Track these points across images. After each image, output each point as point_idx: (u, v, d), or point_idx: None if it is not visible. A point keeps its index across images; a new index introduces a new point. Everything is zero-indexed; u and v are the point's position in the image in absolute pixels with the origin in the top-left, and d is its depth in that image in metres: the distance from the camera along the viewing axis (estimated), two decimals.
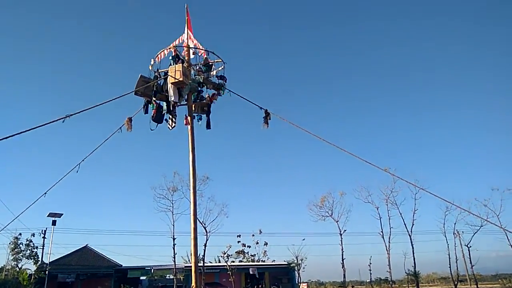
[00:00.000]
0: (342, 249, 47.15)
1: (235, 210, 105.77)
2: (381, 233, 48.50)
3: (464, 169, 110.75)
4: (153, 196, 54.41)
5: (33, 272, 41.27)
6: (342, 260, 46.82)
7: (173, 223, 45.16)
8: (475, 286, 48.12)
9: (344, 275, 47.04)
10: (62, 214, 44.71)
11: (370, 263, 49.28)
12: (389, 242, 47.68)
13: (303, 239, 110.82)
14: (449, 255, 48.47)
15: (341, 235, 48.31)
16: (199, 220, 39.93)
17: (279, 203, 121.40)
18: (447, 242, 49.10)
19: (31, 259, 45.62)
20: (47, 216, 43.33)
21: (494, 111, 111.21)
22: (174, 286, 44.15)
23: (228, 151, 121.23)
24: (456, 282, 47.10)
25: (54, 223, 43.43)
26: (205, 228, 45.38)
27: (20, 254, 45.50)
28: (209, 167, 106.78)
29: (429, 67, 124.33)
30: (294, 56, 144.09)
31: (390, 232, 48.04)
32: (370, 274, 49.46)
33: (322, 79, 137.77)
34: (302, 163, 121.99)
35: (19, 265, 44.34)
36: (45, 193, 14.60)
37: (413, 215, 48.26)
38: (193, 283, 9.58)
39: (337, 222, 48.86)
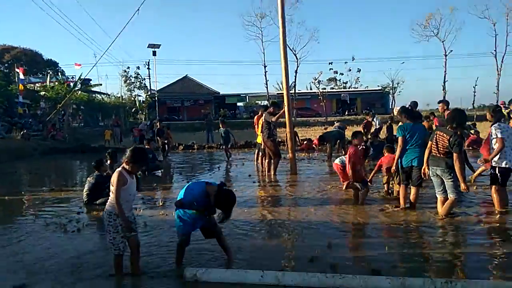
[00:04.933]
0: (445, 71, 43.73)
1: (327, 36, 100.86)
2: (494, 52, 43.33)
3: None
4: (242, 24, 53.43)
5: (144, 99, 47.41)
6: (444, 82, 43.86)
7: (263, 51, 45.35)
8: None
9: (444, 97, 44.60)
10: (160, 45, 47.49)
11: (476, 85, 45.15)
12: (502, 62, 42.94)
13: (402, 63, 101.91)
14: None
15: (445, 56, 44.12)
16: (289, 47, 38.91)
17: (375, 22, 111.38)
18: None
19: (142, 89, 52.39)
20: (147, 47, 46.61)
21: None
22: None
23: None
24: None
25: (154, 53, 46.41)
26: (295, 54, 44.76)
27: (132, 86, 53.11)
28: None
29: None
30: None
31: (506, 50, 42.88)
32: (474, 96, 45.57)
33: None
34: None
35: (133, 95, 51.52)
36: (138, 10, 14.93)
37: None
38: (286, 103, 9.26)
39: (442, 42, 44.18)
